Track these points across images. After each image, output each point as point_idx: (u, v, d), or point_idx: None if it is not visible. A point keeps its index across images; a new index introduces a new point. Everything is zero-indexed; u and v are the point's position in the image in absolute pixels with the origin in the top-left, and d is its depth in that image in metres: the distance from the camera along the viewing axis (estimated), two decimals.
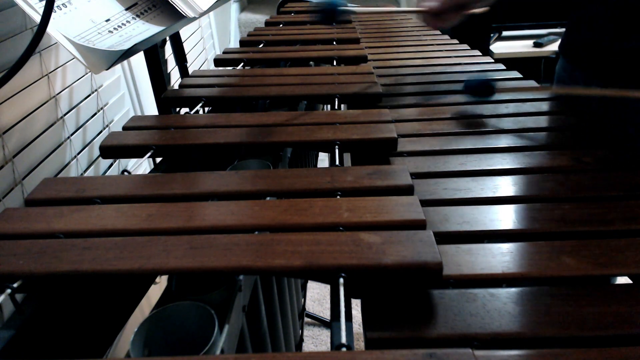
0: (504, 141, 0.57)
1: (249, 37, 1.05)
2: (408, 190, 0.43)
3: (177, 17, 0.74)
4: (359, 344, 1.14)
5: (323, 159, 1.82)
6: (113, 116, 1.06)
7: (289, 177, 0.45)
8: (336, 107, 0.64)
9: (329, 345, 0.83)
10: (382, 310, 0.32)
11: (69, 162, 0.88)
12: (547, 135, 0.59)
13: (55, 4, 0.57)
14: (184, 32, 1.45)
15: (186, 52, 1.07)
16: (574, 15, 0.72)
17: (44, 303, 0.35)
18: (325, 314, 1.49)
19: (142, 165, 0.92)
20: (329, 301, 0.36)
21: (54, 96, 0.84)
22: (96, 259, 0.33)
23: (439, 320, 0.31)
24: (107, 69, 0.56)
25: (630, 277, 0.35)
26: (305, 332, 1.44)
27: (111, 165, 1.03)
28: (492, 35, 2.46)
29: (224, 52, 0.91)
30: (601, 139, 0.57)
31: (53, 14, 0.53)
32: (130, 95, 1.18)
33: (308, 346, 1.40)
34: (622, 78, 0.63)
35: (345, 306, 0.31)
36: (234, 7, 2.33)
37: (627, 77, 0.63)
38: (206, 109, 0.69)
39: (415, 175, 0.50)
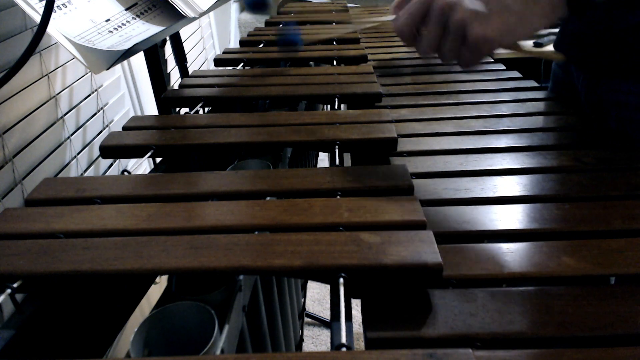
0: (504, 141, 0.57)
1: (249, 37, 1.05)
2: (408, 190, 0.43)
3: (177, 17, 0.74)
4: (359, 344, 1.14)
5: (323, 159, 1.82)
6: (113, 116, 1.06)
7: (289, 177, 0.45)
8: (336, 107, 0.64)
9: (329, 345, 0.83)
10: (382, 310, 0.32)
11: (69, 162, 0.88)
12: (547, 135, 0.59)
13: (55, 4, 0.57)
14: (184, 32, 1.45)
15: (186, 52, 1.07)
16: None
17: (44, 303, 0.35)
18: (325, 314, 1.49)
19: (142, 165, 0.92)
20: (329, 301, 0.35)
21: (54, 96, 0.84)
22: (96, 259, 0.33)
23: (439, 320, 0.31)
24: (107, 69, 0.56)
25: (630, 277, 0.35)
26: (305, 332, 1.44)
27: (111, 165, 1.03)
28: None
29: (224, 52, 0.91)
30: (601, 139, 0.57)
31: (53, 14, 0.53)
32: (130, 95, 1.18)
33: (308, 346, 1.40)
34: (610, 66, 0.63)
35: (345, 306, 0.31)
36: (234, 7, 2.33)
37: (615, 64, 0.63)
38: (206, 109, 0.69)
39: (415, 175, 0.50)
